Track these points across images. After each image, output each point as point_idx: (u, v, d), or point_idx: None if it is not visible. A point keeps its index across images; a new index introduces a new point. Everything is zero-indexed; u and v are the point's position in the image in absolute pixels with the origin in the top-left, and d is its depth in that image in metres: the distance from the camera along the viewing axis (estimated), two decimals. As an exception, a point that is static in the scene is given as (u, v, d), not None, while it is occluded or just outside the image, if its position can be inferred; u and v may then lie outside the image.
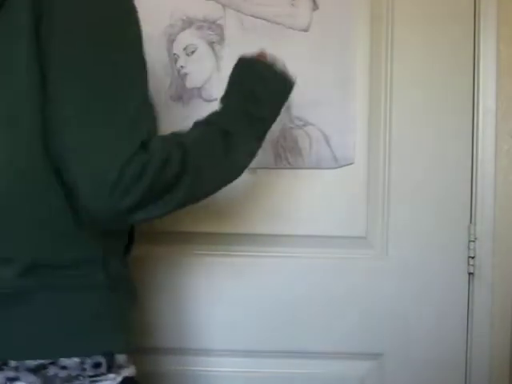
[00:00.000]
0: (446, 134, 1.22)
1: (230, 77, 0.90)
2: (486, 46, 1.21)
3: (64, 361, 0.71)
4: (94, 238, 0.76)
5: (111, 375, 0.74)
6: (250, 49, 1.20)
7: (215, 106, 1.20)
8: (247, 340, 1.21)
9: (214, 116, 0.85)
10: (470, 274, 1.22)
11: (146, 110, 0.75)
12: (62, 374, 0.71)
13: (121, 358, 0.77)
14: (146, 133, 0.72)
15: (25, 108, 0.71)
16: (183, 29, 1.22)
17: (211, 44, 1.22)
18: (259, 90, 0.88)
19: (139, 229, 1.21)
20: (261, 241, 1.21)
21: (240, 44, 1.21)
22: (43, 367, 0.71)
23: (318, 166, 1.21)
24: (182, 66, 1.22)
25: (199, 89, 1.22)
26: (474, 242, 1.21)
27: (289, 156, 1.21)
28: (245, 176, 1.21)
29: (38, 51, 0.70)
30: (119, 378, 0.76)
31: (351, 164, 1.21)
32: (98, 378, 0.73)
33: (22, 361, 0.71)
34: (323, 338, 1.21)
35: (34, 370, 0.71)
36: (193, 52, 1.22)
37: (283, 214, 1.22)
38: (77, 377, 0.71)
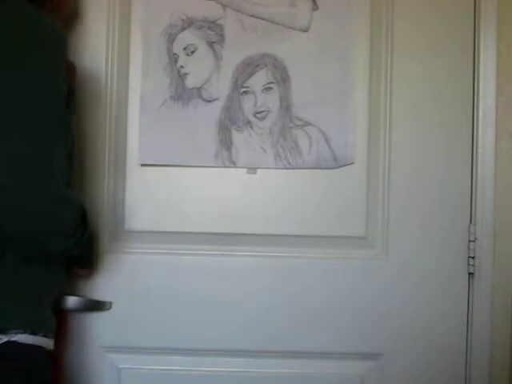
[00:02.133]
0: (446, 134, 1.22)
1: None
2: (486, 46, 1.22)
3: None
4: None
5: None
6: (250, 49, 1.21)
7: (215, 105, 1.22)
8: (247, 340, 1.21)
9: None
10: (470, 274, 1.22)
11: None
12: None
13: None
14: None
15: None
16: (183, 29, 1.22)
17: (211, 44, 1.22)
18: None
19: (137, 229, 1.21)
20: (261, 241, 1.21)
21: (240, 44, 1.21)
22: None
23: (317, 166, 1.21)
24: (181, 66, 1.22)
25: (199, 89, 1.22)
26: (474, 242, 1.21)
27: (289, 156, 1.21)
28: (245, 176, 1.22)
29: None
30: (4, 339, 0.88)
31: (351, 164, 1.22)
32: None
33: None
34: (323, 338, 1.21)
35: None
36: (193, 52, 1.22)
37: (283, 214, 1.22)
38: None
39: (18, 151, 0.83)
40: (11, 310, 0.91)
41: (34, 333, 0.92)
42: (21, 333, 0.90)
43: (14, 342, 0.89)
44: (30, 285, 0.94)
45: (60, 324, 1.16)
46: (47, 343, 0.96)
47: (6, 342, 0.88)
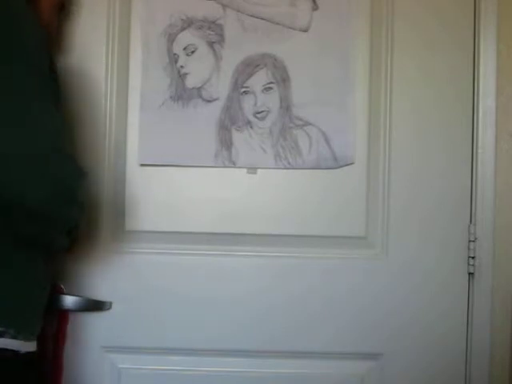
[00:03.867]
0: (446, 134, 1.22)
1: None
2: (486, 46, 1.22)
3: None
4: None
5: None
6: (250, 49, 1.21)
7: (215, 105, 1.22)
8: (247, 340, 1.21)
9: None
10: (470, 274, 1.22)
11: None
12: None
13: None
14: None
15: None
16: (183, 29, 1.22)
17: (211, 44, 1.22)
18: None
19: (137, 229, 1.21)
20: (261, 241, 1.21)
21: (240, 44, 1.21)
22: None
23: (317, 166, 1.21)
24: (181, 66, 1.22)
25: (199, 89, 1.22)
26: (474, 241, 1.21)
27: (289, 156, 1.21)
28: (245, 176, 1.22)
29: None
30: None
31: (351, 164, 1.22)
32: None
33: None
34: (323, 338, 1.21)
35: None
36: (193, 52, 1.22)
37: (283, 213, 1.22)
38: None
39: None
40: None
41: (14, 336, 0.88)
42: None
43: None
44: (10, 286, 0.90)
45: (60, 324, 1.16)
46: (20, 347, 0.91)
47: None
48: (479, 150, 1.22)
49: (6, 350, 0.89)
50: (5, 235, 0.88)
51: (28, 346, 0.93)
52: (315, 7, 1.22)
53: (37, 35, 0.89)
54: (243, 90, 1.21)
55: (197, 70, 1.22)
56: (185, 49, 1.22)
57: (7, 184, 0.80)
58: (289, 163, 1.21)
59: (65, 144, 0.86)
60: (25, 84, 0.84)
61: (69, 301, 1.16)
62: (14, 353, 0.90)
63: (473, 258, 1.21)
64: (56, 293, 1.16)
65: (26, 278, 0.93)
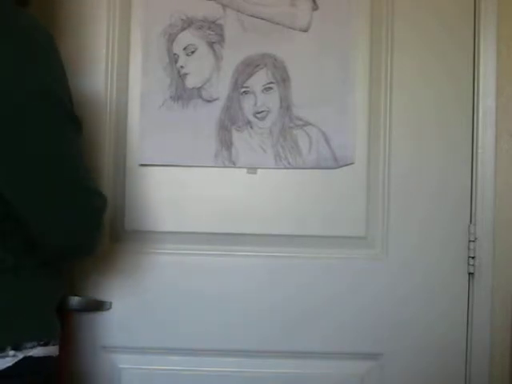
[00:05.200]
0: (446, 134, 1.22)
1: None
2: (486, 46, 1.22)
3: None
4: None
5: (11, 352, 0.85)
6: (250, 49, 1.21)
7: (215, 105, 1.22)
8: (247, 340, 1.21)
9: None
10: (470, 274, 1.22)
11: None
12: None
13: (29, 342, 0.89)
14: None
15: None
16: (183, 29, 1.22)
17: (211, 44, 1.22)
18: None
19: (137, 229, 1.21)
20: (260, 241, 1.21)
21: (240, 44, 1.21)
22: None
23: (317, 166, 1.21)
24: (181, 66, 1.22)
25: (199, 89, 1.22)
26: (474, 241, 1.21)
27: (289, 156, 1.21)
28: (245, 176, 1.22)
29: None
30: (20, 356, 0.86)
31: (351, 164, 1.22)
32: None
33: None
34: (323, 337, 1.21)
35: None
36: (193, 52, 1.22)
37: (283, 213, 1.22)
38: None
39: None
40: (24, 324, 0.89)
41: (45, 344, 0.90)
42: (34, 346, 0.88)
43: (29, 357, 0.87)
44: (40, 296, 0.92)
45: (62, 324, 1.16)
46: (56, 351, 0.94)
47: (22, 359, 0.86)
48: (479, 150, 1.22)
49: (51, 357, 0.92)
50: (35, 255, 0.92)
51: (57, 350, 0.96)
52: (315, 7, 1.22)
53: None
54: (243, 89, 1.21)
55: (197, 70, 1.22)
56: (185, 49, 1.22)
57: (48, 232, 0.88)
58: (289, 163, 1.21)
59: (89, 175, 0.92)
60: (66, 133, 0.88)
61: (69, 301, 1.16)
62: (54, 358, 0.94)
63: (473, 258, 1.21)
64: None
65: (52, 285, 0.96)
